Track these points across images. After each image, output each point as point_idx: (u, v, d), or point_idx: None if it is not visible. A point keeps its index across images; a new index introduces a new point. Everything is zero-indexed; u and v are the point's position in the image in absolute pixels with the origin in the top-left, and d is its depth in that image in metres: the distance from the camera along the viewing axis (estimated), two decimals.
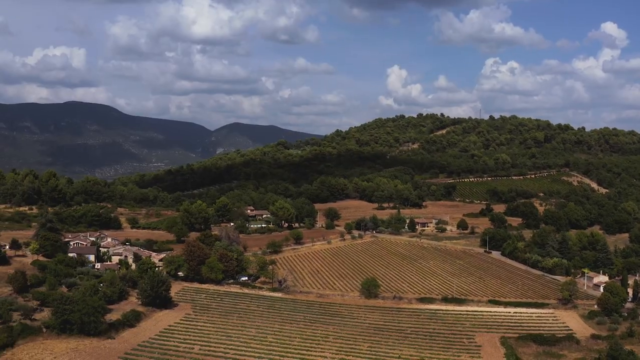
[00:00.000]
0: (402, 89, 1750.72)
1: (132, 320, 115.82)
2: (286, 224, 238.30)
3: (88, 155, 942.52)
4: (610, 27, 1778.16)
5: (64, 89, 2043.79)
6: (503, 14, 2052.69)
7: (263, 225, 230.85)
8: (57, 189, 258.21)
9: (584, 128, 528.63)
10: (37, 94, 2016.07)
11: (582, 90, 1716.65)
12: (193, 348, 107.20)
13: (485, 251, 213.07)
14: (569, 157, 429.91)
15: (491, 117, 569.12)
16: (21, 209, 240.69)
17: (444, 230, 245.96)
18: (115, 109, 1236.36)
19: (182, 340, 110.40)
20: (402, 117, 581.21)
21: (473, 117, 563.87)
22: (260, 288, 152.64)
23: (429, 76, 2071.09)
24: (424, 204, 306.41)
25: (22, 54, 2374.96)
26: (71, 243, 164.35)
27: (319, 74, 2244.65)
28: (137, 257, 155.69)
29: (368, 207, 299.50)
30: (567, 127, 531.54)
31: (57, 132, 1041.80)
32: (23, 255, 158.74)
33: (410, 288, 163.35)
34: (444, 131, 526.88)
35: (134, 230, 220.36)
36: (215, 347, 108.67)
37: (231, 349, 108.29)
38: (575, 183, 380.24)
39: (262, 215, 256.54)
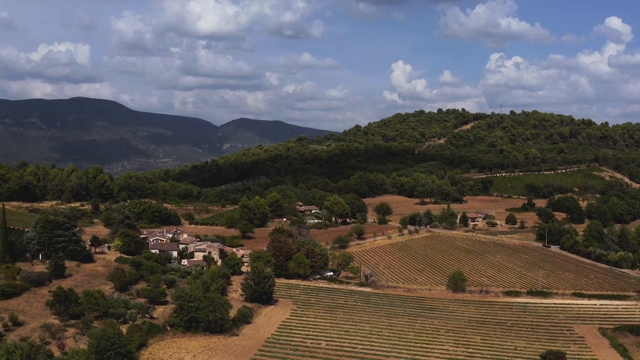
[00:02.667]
0: (406, 83, 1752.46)
1: (247, 316, 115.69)
2: (340, 220, 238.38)
3: (95, 151, 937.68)
4: (614, 22, 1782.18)
5: (68, 84, 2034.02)
6: (509, 8, 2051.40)
7: (320, 221, 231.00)
8: (105, 185, 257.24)
9: (607, 123, 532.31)
10: (41, 90, 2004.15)
11: (586, 84, 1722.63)
12: (320, 344, 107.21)
13: (544, 245, 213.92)
14: (597, 152, 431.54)
15: (512, 112, 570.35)
16: (72, 205, 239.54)
17: (494, 225, 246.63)
18: (121, 104, 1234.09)
19: (305, 336, 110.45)
20: (422, 112, 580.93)
21: (496, 112, 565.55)
22: (347, 283, 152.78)
23: (433, 71, 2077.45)
24: (464, 199, 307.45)
25: (26, 50, 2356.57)
26: (150, 239, 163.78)
27: (323, 69, 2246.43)
28: (222, 253, 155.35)
29: (409, 202, 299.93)
30: (590, 122, 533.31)
31: (63, 127, 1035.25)
32: (102, 252, 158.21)
33: (491, 282, 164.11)
34: (468, 126, 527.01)
35: (192, 226, 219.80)
36: (339, 342, 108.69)
37: (356, 343, 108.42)
38: (607, 178, 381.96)
39: (310, 210, 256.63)
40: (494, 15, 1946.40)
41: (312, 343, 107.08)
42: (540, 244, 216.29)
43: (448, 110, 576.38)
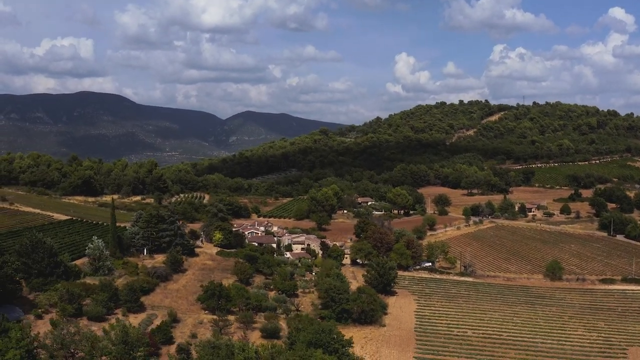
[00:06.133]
0: (410, 75, 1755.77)
1: (384, 307, 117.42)
2: (402, 211, 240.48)
3: (102, 145, 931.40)
4: (618, 12, 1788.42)
5: (71, 79, 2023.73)
6: None
7: (383, 212, 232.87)
8: (161, 178, 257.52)
9: (632, 114, 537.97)
10: (44, 85, 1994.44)
11: (590, 75, 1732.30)
12: (466, 332, 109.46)
13: (609, 235, 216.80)
14: (628, 143, 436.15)
15: (535, 104, 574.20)
16: (134, 199, 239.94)
17: (551, 215, 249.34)
18: (127, 98, 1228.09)
19: (447, 325, 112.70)
20: (444, 103, 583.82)
21: (521, 104, 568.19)
22: (447, 273, 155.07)
23: (436, 63, 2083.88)
24: (509, 190, 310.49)
25: (30, 45, 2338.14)
26: (246, 232, 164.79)
27: (326, 61, 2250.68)
28: (324, 246, 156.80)
29: (456, 193, 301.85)
30: (615, 113, 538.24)
31: (69, 122, 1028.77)
32: (198, 246, 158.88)
33: (580, 270, 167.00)
34: (495, 117, 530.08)
35: (260, 218, 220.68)
36: (483, 331, 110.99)
37: (500, 331, 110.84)
38: None
39: (367, 202, 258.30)
40: (499, 7, 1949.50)
41: (458, 332, 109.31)
42: (604, 233, 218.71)
43: (471, 102, 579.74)
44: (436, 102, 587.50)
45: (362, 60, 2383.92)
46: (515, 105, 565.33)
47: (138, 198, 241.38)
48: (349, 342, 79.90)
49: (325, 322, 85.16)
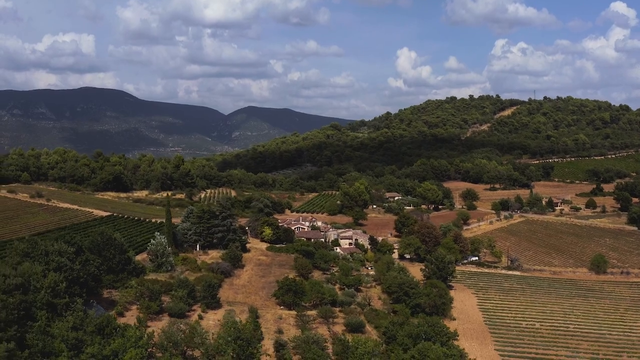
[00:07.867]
0: (411, 70, 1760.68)
1: (451, 300, 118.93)
2: (431, 206, 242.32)
3: (106, 140, 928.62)
4: (619, 6, 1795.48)
5: (72, 74, 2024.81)
6: None
7: (413, 207, 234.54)
8: (189, 174, 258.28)
9: None
10: (45, 80, 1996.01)
11: (592, 70, 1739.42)
12: (534, 325, 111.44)
13: (639, 228, 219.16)
14: None
15: (546, 98, 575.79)
16: (163, 194, 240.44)
17: (578, 209, 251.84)
18: (128, 94, 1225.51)
19: (513, 318, 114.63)
20: (454, 98, 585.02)
21: (533, 99, 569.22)
22: (495, 267, 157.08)
23: (438, 58, 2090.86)
24: (531, 184, 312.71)
25: (31, 41, 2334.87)
26: (293, 228, 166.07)
27: (328, 56, 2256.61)
28: (372, 240, 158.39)
29: (478, 188, 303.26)
30: (627, 108, 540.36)
31: (72, 117, 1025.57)
32: (247, 242, 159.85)
33: (622, 264, 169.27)
34: (508, 112, 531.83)
35: (293, 213, 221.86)
36: (550, 323, 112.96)
37: (568, 323, 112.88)
38: None
39: (393, 197, 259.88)
40: (501, 1, 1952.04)
41: (527, 325, 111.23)
42: (633, 227, 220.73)
43: (481, 97, 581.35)
44: (446, 97, 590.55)
45: (364, 55, 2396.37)
46: (526, 100, 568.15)
47: (168, 193, 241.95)
48: (455, 334, 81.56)
49: (432, 316, 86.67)
